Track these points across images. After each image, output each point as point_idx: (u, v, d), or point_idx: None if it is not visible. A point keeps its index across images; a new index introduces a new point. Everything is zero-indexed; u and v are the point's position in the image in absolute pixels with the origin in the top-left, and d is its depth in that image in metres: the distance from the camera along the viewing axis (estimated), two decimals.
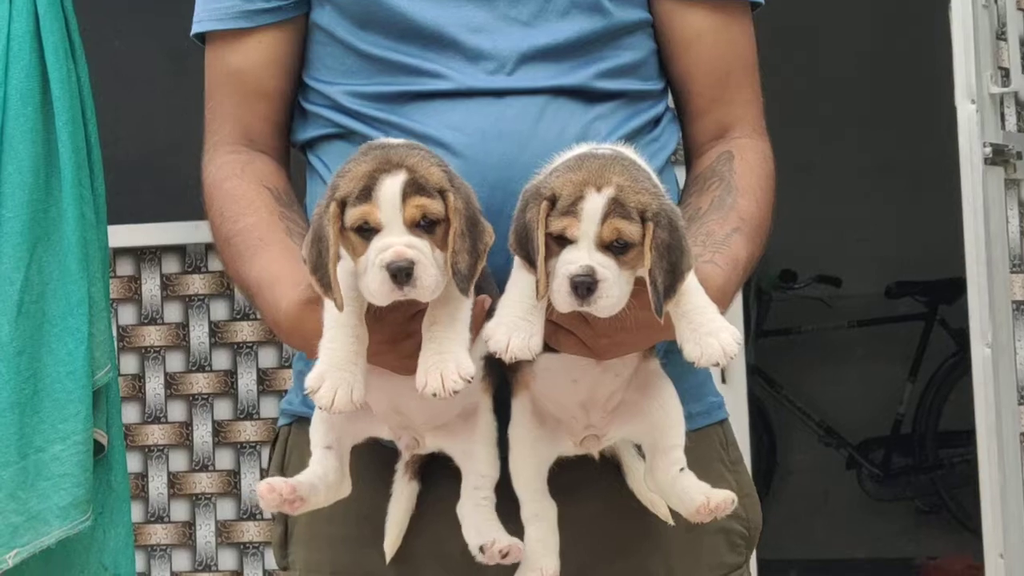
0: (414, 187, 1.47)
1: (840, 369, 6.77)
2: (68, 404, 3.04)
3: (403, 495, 1.71)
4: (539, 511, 1.65)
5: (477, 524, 1.62)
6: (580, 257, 1.47)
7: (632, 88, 1.79)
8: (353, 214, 1.47)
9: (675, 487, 1.61)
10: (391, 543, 1.73)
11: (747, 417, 3.76)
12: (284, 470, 1.81)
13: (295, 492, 1.58)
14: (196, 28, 1.85)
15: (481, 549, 1.61)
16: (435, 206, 1.47)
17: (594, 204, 1.48)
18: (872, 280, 6.52)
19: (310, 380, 1.51)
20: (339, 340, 1.51)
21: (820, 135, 6.36)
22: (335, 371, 1.51)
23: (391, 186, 1.46)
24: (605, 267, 1.47)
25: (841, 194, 6.67)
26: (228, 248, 1.76)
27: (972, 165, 3.45)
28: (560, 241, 1.49)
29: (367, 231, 1.47)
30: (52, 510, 3.02)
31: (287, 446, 1.84)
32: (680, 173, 1.86)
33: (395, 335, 1.54)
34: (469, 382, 1.49)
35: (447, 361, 1.49)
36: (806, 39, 6.03)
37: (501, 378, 1.63)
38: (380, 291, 1.46)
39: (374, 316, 1.51)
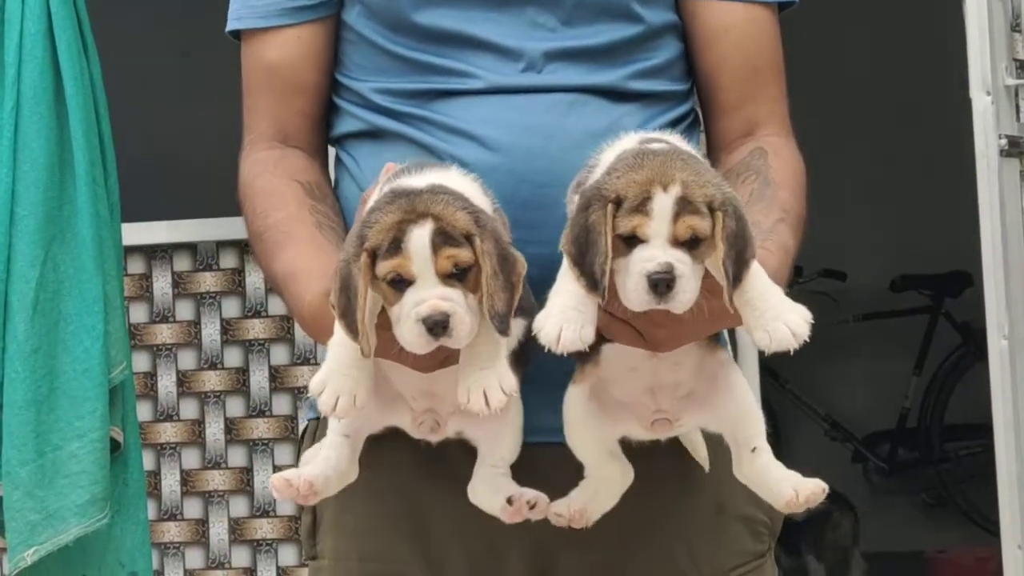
0: (443, 237, 1.50)
1: (845, 363, 6.77)
2: (84, 402, 3.04)
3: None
4: (602, 473, 1.63)
5: (495, 487, 1.62)
6: (656, 255, 1.46)
7: (660, 89, 1.80)
8: (385, 267, 1.50)
9: (763, 479, 1.60)
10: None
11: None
12: None
13: (311, 488, 1.60)
14: (235, 25, 1.86)
15: (509, 501, 1.60)
16: (464, 255, 1.50)
17: (663, 203, 1.47)
18: (877, 274, 6.53)
19: (313, 384, 1.54)
20: (345, 344, 1.53)
21: (826, 128, 6.36)
22: (338, 375, 1.54)
23: (420, 238, 1.49)
24: (682, 263, 1.47)
25: (846, 188, 6.68)
26: (259, 243, 1.78)
27: (988, 157, 3.45)
28: (628, 241, 1.48)
29: (399, 282, 1.50)
30: (70, 508, 3.02)
31: (315, 441, 1.82)
32: None
33: (427, 355, 1.55)
34: (512, 396, 1.52)
35: (490, 377, 1.52)
36: (815, 31, 6.03)
37: (542, 373, 1.63)
38: (417, 343, 1.50)
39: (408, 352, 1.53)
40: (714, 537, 1.78)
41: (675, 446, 1.69)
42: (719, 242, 1.47)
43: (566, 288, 1.51)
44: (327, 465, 1.63)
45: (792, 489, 1.57)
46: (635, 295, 1.47)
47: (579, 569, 1.73)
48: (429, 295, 1.49)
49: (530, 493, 1.61)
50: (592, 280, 1.48)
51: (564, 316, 1.50)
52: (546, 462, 1.66)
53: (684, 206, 1.47)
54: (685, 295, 1.47)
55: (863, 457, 6.63)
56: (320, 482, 1.61)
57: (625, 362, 1.60)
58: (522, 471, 1.64)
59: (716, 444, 1.69)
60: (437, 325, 1.48)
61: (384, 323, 1.55)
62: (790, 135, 1.85)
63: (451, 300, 1.49)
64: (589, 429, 1.63)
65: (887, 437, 6.65)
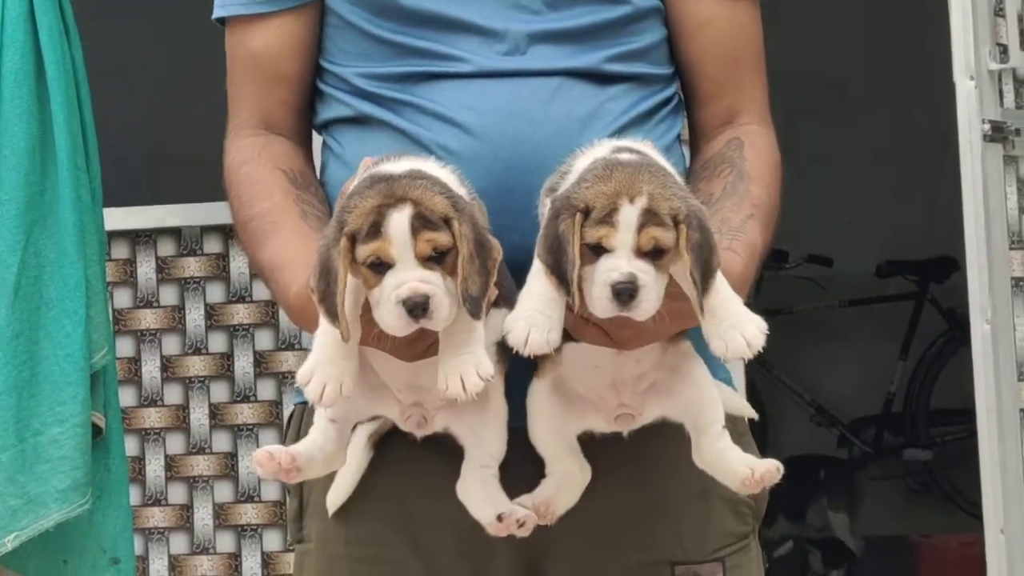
0: (421, 221, 1.52)
1: (831, 348, 6.78)
2: (66, 387, 3.03)
3: (356, 460, 1.76)
4: (563, 468, 1.68)
5: (488, 497, 1.65)
6: (620, 265, 1.52)
7: (643, 72, 1.82)
8: (364, 251, 1.52)
9: (720, 462, 1.64)
10: (334, 501, 1.78)
11: (744, 396, 3.77)
12: None
13: (294, 462, 1.62)
14: (220, 12, 1.87)
15: (499, 518, 1.64)
16: (443, 238, 1.53)
17: (629, 215, 1.52)
18: (863, 260, 6.53)
19: (301, 374, 1.56)
20: (331, 333, 1.55)
21: (811, 114, 6.36)
22: (325, 365, 1.56)
23: (399, 221, 1.52)
24: (645, 273, 1.52)
25: (832, 174, 6.68)
26: (245, 232, 1.79)
27: (971, 142, 3.45)
28: (595, 250, 1.53)
29: (379, 266, 1.52)
30: (51, 493, 3.01)
31: (302, 424, 1.85)
32: (686, 152, 1.89)
33: (407, 340, 1.57)
34: (489, 381, 1.54)
35: (467, 363, 1.54)
36: (800, 18, 6.03)
37: (513, 364, 1.65)
38: (396, 325, 1.52)
39: (388, 336, 1.55)
40: (699, 519, 1.80)
41: (661, 430, 1.70)
42: (684, 253, 1.53)
43: (534, 291, 1.56)
44: (313, 445, 1.65)
45: (748, 468, 1.62)
46: (599, 303, 1.52)
47: (567, 554, 1.75)
48: (409, 277, 1.51)
49: (520, 512, 1.64)
50: (567, 287, 1.53)
51: (532, 320, 1.55)
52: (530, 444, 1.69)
53: (649, 218, 1.52)
54: (647, 304, 1.52)
55: (849, 442, 6.64)
56: (303, 459, 1.63)
57: (589, 360, 1.64)
58: (511, 452, 1.67)
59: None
60: (417, 307, 1.51)
61: (365, 307, 1.56)
62: (769, 124, 1.88)
63: (431, 283, 1.51)
64: (551, 423, 1.67)
65: (873, 422, 6.66)
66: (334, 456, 1.67)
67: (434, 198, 1.54)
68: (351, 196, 1.56)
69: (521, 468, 1.68)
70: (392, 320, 1.52)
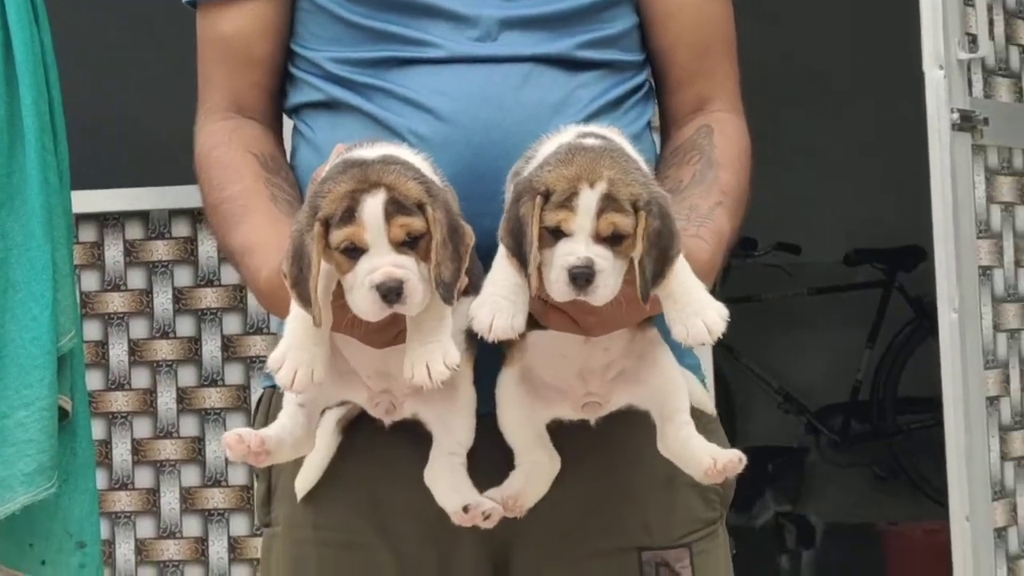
0: (395, 206, 1.52)
1: (799, 336, 6.81)
2: (32, 370, 3.01)
3: (324, 444, 1.76)
4: (532, 459, 1.69)
5: (455, 486, 1.66)
6: (578, 249, 1.52)
7: (614, 59, 1.82)
8: (338, 236, 1.52)
9: (684, 451, 1.65)
10: (302, 486, 1.78)
11: (713, 383, 3.77)
12: None
13: (263, 445, 1.62)
14: None
15: (465, 509, 1.64)
16: (417, 223, 1.53)
17: (588, 199, 1.52)
18: (831, 248, 6.55)
19: (272, 359, 1.56)
20: (303, 319, 1.55)
21: (780, 103, 6.37)
22: (296, 350, 1.56)
23: (373, 206, 1.52)
24: (602, 258, 1.52)
25: (800, 162, 6.69)
26: (215, 216, 1.79)
27: (940, 131, 3.46)
28: (555, 233, 1.53)
29: (352, 251, 1.52)
30: (16, 476, 2.99)
31: (271, 407, 1.85)
32: (657, 139, 1.89)
33: (378, 326, 1.57)
34: (455, 369, 1.55)
35: (433, 351, 1.54)
36: (770, 6, 6.04)
37: (480, 350, 1.66)
38: (370, 310, 1.52)
39: (360, 321, 1.55)
40: (666, 506, 1.81)
41: (627, 417, 1.71)
42: (640, 240, 1.53)
43: (499, 277, 1.57)
44: (282, 429, 1.65)
45: (711, 458, 1.63)
46: (556, 286, 1.53)
47: (534, 541, 1.75)
48: (383, 262, 1.51)
49: (487, 505, 1.65)
50: (527, 269, 1.54)
51: (496, 305, 1.55)
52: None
53: (608, 203, 1.53)
54: (604, 289, 1.53)
55: (816, 430, 6.67)
56: (273, 442, 1.63)
57: (555, 349, 1.64)
58: (480, 440, 1.67)
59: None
60: (391, 292, 1.51)
61: (337, 292, 1.56)
62: (739, 111, 1.89)
63: (405, 267, 1.51)
64: (520, 413, 1.67)
65: (840, 410, 6.68)
66: (303, 441, 1.67)
67: (408, 183, 1.54)
68: (324, 181, 1.56)
69: (490, 455, 1.68)
70: (366, 305, 1.52)
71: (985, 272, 3.62)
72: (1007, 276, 3.71)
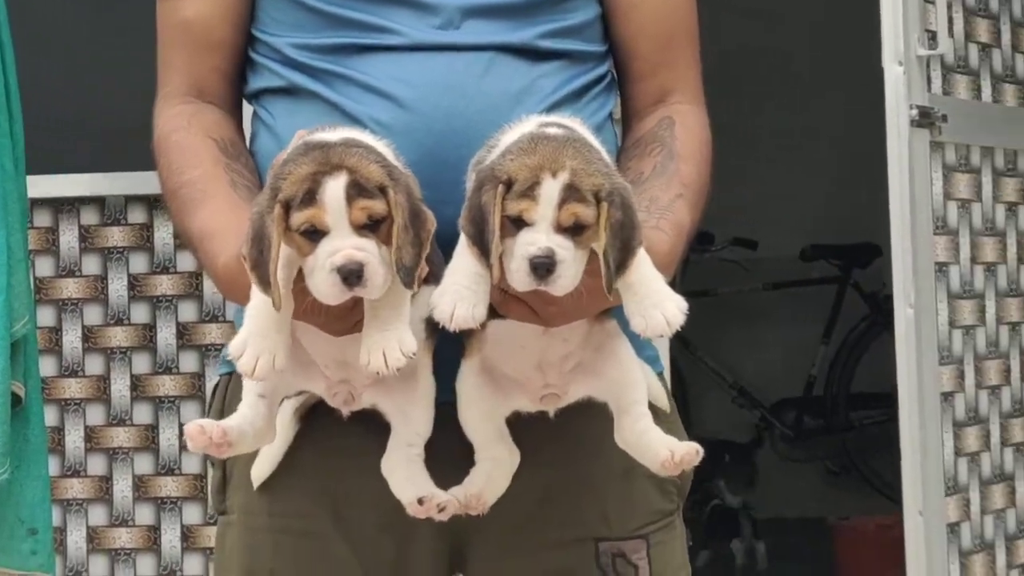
0: (357, 189, 1.51)
1: (754, 331, 6.83)
2: None
3: (282, 433, 1.75)
4: (492, 455, 1.69)
5: (411, 477, 1.65)
6: (539, 239, 1.52)
7: (576, 49, 1.82)
8: (299, 218, 1.51)
9: (641, 443, 1.65)
10: (259, 475, 1.78)
11: (670, 376, 3.78)
12: (223, 417, 1.79)
13: (225, 436, 1.61)
14: None
15: (420, 501, 1.63)
16: (378, 206, 1.51)
17: (550, 189, 1.52)
18: (788, 243, 6.58)
19: (233, 346, 1.55)
20: (264, 306, 1.54)
21: (739, 99, 6.39)
22: (258, 338, 1.55)
23: (335, 189, 1.50)
24: (563, 248, 1.52)
25: (758, 158, 6.72)
26: (174, 200, 1.78)
27: (898, 127, 3.47)
28: (516, 223, 1.53)
29: (313, 233, 1.51)
30: None
31: (227, 394, 1.85)
32: (619, 131, 1.89)
33: (338, 313, 1.57)
34: (411, 358, 1.54)
35: (390, 339, 1.53)
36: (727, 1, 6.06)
37: (441, 339, 1.65)
38: (331, 292, 1.51)
39: (318, 305, 1.54)
40: (624, 497, 1.81)
41: (586, 409, 1.71)
42: (602, 230, 1.53)
43: (461, 266, 1.56)
44: (243, 420, 1.64)
45: (668, 450, 1.63)
46: (517, 276, 1.53)
47: (492, 531, 1.74)
48: (343, 245, 1.50)
49: (442, 497, 1.64)
50: (488, 258, 1.53)
51: (458, 294, 1.55)
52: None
53: (570, 193, 1.52)
54: (565, 279, 1.52)
55: (770, 424, 6.69)
56: (234, 433, 1.62)
57: (514, 340, 1.64)
58: (440, 428, 1.67)
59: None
60: (352, 274, 1.50)
61: (297, 277, 1.55)
62: (701, 103, 1.89)
63: (366, 250, 1.50)
64: (481, 406, 1.67)
65: (794, 405, 6.71)
66: (264, 431, 1.66)
67: (370, 166, 1.53)
68: (285, 163, 1.55)
69: (449, 444, 1.68)
70: (326, 288, 1.51)
71: (941, 268, 3.64)
72: (963, 272, 3.73)
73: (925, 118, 3.51)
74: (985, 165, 3.83)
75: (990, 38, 3.84)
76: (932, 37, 3.56)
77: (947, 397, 3.64)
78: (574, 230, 1.53)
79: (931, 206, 3.59)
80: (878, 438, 6.33)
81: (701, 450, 1.64)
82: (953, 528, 3.63)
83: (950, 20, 3.65)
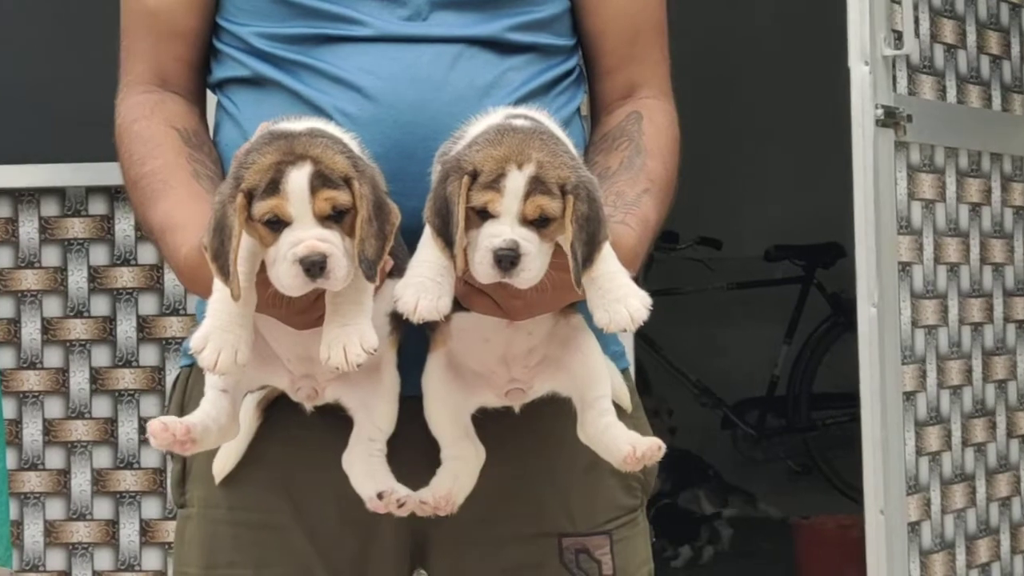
0: (321, 179, 1.49)
1: (718, 330, 6.85)
2: None
3: (244, 427, 1.73)
4: (458, 454, 1.67)
5: (371, 472, 1.64)
6: (503, 231, 1.51)
7: (544, 42, 1.81)
8: (261, 207, 1.49)
9: (603, 438, 1.64)
10: (221, 469, 1.77)
11: (634, 373, 3.78)
12: (184, 410, 1.80)
13: (189, 434, 1.59)
14: None
15: (379, 496, 1.63)
16: (343, 197, 1.50)
17: (516, 181, 1.51)
18: (752, 243, 6.60)
19: (195, 340, 1.54)
20: (226, 301, 1.52)
21: (705, 97, 6.40)
22: (220, 332, 1.53)
23: (298, 179, 1.49)
24: (528, 241, 1.51)
25: (724, 158, 6.73)
26: (135, 191, 1.76)
27: (863, 127, 3.48)
28: (481, 214, 1.52)
29: (276, 223, 1.49)
30: None
31: (187, 387, 1.83)
32: (587, 126, 1.89)
33: (300, 307, 1.55)
34: (372, 354, 1.52)
35: (351, 334, 1.52)
36: None
37: (406, 333, 1.64)
38: (293, 284, 1.49)
39: (281, 297, 1.53)
40: (588, 492, 1.81)
41: (551, 403, 1.70)
42: (568, 223, 1.52)
43: (425, 258, 1.55)
44: (206, 416, 1.62)
45: (630, 445, 1.63)
46: (481, 268, 1.52)
47: (454, 525, 1.73)
48: (307, 236, 1.49)
49: (402, 492, 1.63)
50: (452, 250, 1.52)
51: (422, 286, 1.53)
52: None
53: (536, 186, 1.52)
54: (529, 272, 1.52)
55: (732, 424, 6.71)
56: (198, 430, 1.61)
57: (479, 334, 1.63)
58: (406, 423, 1.66)
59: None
60: (315, 266, 1.48)
61: (259, 269, 1.54)
62: (669, 98, 1.89)
63: (329, 241, 1.49)
64: (447, 403, 1.66)
65: (757, 404, 6.74)
66: (228, 427, 1.65)
67: (335, 157, 1.51)
68: (249, 152, 1.53)
69: (415, 438, 1.67)
70: (288, 279, 1.49)
71: (905, 268, 3.65)
72: (926, 273, 3.74)
73: (890, 118, 3.52)
74: (949, 166, 3.84)
75: (956, 39, 3.85)
76: (898, 37, 3.57)
77: (909, 397, 3.65)
78: (539, 223, 1.52)
79: (895, 206, 3.59)
80: (840, 438, 6.36)
81: (663, 446, 1.64)
82: (914, 527, 3.64)
83: (916, 21, 3.65)
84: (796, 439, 6.70)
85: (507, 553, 1.78)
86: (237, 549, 1.78)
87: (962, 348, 3.88)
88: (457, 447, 1.68)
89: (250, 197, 1.50)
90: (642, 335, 6.51)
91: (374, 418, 1.65)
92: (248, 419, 1.74)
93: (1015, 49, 4.12)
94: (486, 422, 1.70)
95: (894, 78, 3.58)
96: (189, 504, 1.83)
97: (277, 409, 1.75)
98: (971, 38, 3.91)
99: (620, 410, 1.74)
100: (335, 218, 1.50)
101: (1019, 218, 4.12)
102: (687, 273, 6.55)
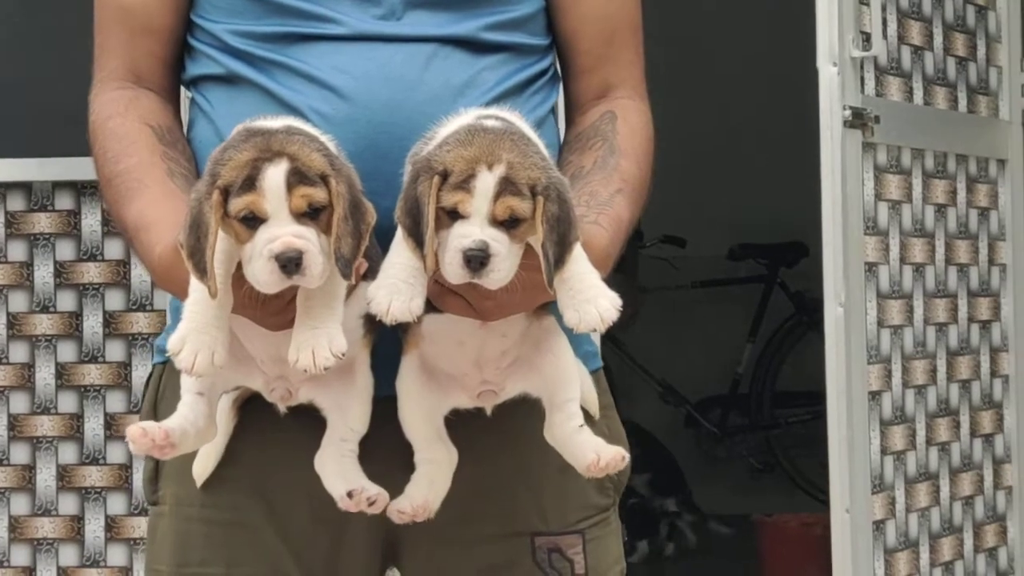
0: (298, 176, 1.49)
1: (682, 328, 6.86)
2: None
3: (221, 428, 1.73)
4: (431, 457, 1.68)
5: (342, 472, 1.64)
6: (473, 232, 1.51)
7: (519, 42, 1.81)
8: (238, 204, 1.49)
9: (570, 442, 1.65)
10: (202, 471, 1.76)
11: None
12: (157, 407, 1.81)
13: (168, 438, 1.59)
14: None
15: (349, 495, 1.63)
16: (319, 194, 1.50)
17: (486, 182, 1.51)
18: (716, 242, 6.61)
19: (172, 342, 1.53)
20: (203, 302, 1.52)
21: (670, 95, 6.40)
22: (197, 334, 1.53)
23: (275, 176, 1.49)
24: (498, 241, 1.51)
25: (688, 156, 6.74)
26: (109, 189, 1.75)
27: (831, 128, 3.49)
28: (451, 215, 1.52)
29: (252, 220, 1.49)
30: None
31: (161, 384, 1.83)
32: (561, 126, 1.89)
33: (274, 308, 1.55)
34: (340, 358, 1.52)
35: (320, 337, 1.52)
36: None
37: (379, 335, 1.64)
38: (269, 280, 1.49)
39: (255, 297, 1.53)
40: (561, 492, 1.81)
41: (522, 405, 1.71)
42: (539, 224, 1.52)
43: (398, 260, 1.55)
44: (184, 420, 1.62)
45: (595, 453, 1.64)
46: (451, 268, 1.52)
47: (426, 525, 1.73)
48: (282, 232, 1.49)
49: (372, 490, 1.64)
50: (423, 250, 1.52)
51: (395, 287, 1.54)
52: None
53: (506, 186, 1.52)
54: (499, 273, 1.52)
55: (696, 422, 6.73)
56: (177, 434, 1.61)
57: (452, 335, 1.64)
58: (381, 423, 1.66)
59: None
60: (291, 262, 1.48)
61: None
62: (644, 98, 1.89)
63: (305, 238, 1.49)
64: (421, 405, 1.67)
65: (719, 403, 6.75)
66: (206, 430, 1.65)
67: (311, 154, 1.51)
68: (225, 149, 1.53)
69: (389, 439, 1.67)
70: (264, 276, 1.49)
71: (871, 268, 3.67)
72: (892, 273, 3.76)
73: (858, 119, 3.53)
74: (916, 167, 3.86)
75: (923, 41, 3.87)
76: (866, 39, 3.58)
77: (874, 396, 3.67)
78: (509, 223, 1.53)
79: (862, 206, 3.61)
80: (803, 436, 6.39)
81: (627, 456, 1.65)
82: (878, 526, 3.66)
83: (884, 22, 3.67)
84: (759, 437, 6.72)
85: (480, 552, 1.79)
86: (209, 547, 1.78)
87: (927, 348, 3.91)
88: (431, 450, 1.68)
89: (226, 194, 1.50)
90: (606, 333, 6.51)
91: (347, 419, 1.65)
92: (224, 419, 1.74)
93: (980, 51, 4.15)
94: (458, 423, 1.70)
95: (862, 79, 3.59)
96: (161, 502, 1.82)
97: (251, 409, 1.75)
98: (938, 40, 3.93)
99: (588, 416, 1.74)
100: (311, 215, 1.50)
101: (984, 219, 4.15)
102: (651, 271, 6.56)
